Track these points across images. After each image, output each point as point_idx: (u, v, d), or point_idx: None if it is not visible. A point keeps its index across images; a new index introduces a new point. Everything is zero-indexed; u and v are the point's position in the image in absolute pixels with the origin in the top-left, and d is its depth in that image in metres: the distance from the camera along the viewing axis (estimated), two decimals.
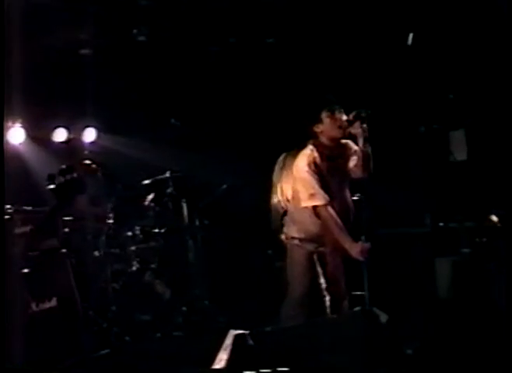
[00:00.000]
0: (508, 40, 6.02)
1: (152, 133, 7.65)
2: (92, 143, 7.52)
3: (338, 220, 4.71)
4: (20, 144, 6.98)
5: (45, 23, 5.95)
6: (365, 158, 4.79)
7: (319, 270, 4.91)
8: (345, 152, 4.94)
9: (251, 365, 3.54)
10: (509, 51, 6.10)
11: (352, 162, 4.91)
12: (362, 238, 4.64)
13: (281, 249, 5.15)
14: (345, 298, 4.94)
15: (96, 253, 6.40)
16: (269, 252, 6.99)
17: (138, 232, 6.51)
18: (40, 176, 6.45)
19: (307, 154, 4.83)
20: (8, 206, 5.24)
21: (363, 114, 4.73)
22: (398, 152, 7.08)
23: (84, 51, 6.81)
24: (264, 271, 6.98)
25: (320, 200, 4.74)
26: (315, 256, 4.92)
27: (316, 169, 4.78)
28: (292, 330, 4.12)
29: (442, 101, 7.13)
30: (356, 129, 4.76)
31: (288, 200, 5.01)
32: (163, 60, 7.08)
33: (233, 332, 3.75)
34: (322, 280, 4.90)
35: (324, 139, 4.85)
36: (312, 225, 4.87)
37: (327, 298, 4.88)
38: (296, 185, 4.87)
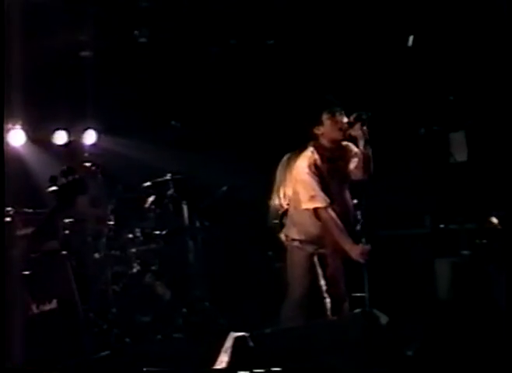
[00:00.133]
0: (508, 42, 6.01)
1: (152, 134, 7.66)
2: (92, 145, 7.54)
3: (339, 222, 4.71)
4: (20, 146, 6.99)
5: (45, 25, 5.96)
6: (365, 160, 4.79)
7: (319, 271, 4.91)
8: (346, 154, 4.93)
9: (251, 367, 3.53)
10: (509, 53, 6.10)
11: (353, 163, 4.90)
12: (363, 240, 4.64)
13: (281, 250, 5.15)
14: (345, 300, 4.94)
15: (97, 255, 6.38)
16: (269, 253, 6.98)
17: (138, 234, 6.51)
18: (41, 177, 6.47)
19: (308, 156, 4.83)
20: (9, 208, 5.24)
21: (364, 116, 4.73)
22: (399, 154, 7.09)
23: (84, 53, 6.81)
24: (264, 272, 6.96)
25: (320, 202, 4.74)
26: (315, 258, 4.92)
27: (316, 170, 4.78)
28: (293, 332, 4.11)
29: (442, 103, 7.14)
30: (357, 131, 4.76)
31: (288, 202, 5.02)
32: (163, 61, 7.09)
33: (233, 335, 3.75)
34: (322, 282, 4.90)
35: (324, 141, 4.85)
36: (312, 227, 4.87)
37: (328, 300, 4.88)
38: (297, 187, 4.87)
